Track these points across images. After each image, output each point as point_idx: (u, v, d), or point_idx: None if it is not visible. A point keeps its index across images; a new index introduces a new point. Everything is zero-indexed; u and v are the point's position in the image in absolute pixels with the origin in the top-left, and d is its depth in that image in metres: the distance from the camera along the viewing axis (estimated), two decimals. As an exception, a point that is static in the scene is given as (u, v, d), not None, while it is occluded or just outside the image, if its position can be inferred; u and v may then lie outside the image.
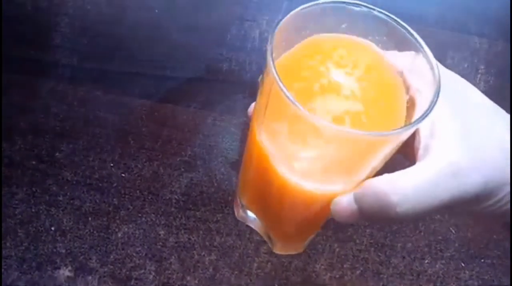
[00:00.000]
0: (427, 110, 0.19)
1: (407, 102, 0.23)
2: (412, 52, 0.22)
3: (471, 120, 0.23)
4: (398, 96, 0.23)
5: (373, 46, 0.24)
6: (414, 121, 0.19)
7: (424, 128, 0.23)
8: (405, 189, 0.21)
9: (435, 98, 0.20)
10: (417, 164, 0.22)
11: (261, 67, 0.44)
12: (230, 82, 0.42)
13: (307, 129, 0.20)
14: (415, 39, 0.22)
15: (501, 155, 0.22)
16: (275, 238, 0.32)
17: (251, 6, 0.42)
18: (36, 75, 0.41)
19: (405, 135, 0.20)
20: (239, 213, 0.33)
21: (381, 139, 0.20)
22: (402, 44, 0.23)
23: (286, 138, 0.22)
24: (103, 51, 0.42)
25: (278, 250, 0.34)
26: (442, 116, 0.23)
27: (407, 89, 0.23)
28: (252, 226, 0.33)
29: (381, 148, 0.21)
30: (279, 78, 0.19)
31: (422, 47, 0.22)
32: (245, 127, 0.42)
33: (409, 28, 0.22)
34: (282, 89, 0.19)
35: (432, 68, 0.21)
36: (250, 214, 0.32)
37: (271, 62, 0.19)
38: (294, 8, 0.22)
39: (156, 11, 0.42)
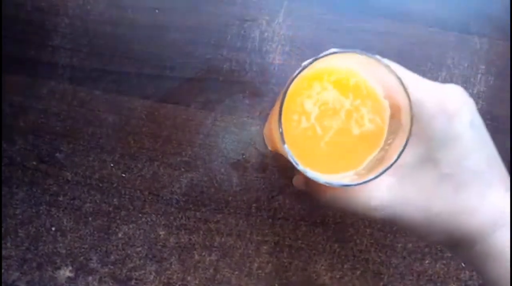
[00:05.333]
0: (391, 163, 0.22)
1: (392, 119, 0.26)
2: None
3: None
4: (382, 118, 0.26)
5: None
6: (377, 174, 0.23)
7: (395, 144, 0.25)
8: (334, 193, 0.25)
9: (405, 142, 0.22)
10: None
11: (261, 67, 0.44)
12: (230, 82, 0.42)
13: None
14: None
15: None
16: None
17: (251, 6, 0.42)
18: (36, 75, 0.41)
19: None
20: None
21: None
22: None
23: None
24: (103, 51, 0.42)
25: None
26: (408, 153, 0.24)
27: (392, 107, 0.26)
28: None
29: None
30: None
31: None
32: (245, 127, 0.42)
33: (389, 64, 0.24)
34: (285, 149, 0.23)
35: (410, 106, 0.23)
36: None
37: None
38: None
39: (156, 11, 0.42)
